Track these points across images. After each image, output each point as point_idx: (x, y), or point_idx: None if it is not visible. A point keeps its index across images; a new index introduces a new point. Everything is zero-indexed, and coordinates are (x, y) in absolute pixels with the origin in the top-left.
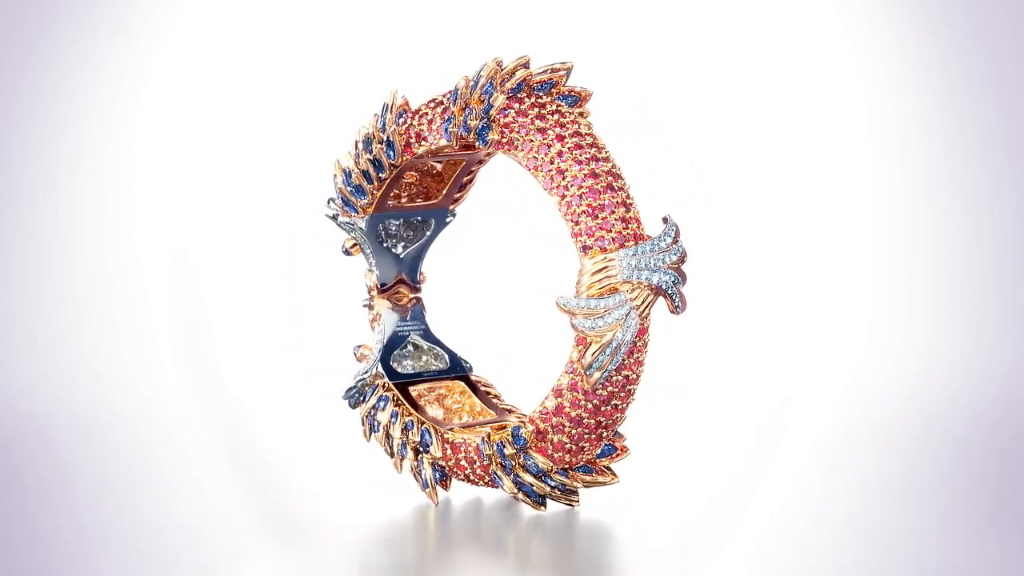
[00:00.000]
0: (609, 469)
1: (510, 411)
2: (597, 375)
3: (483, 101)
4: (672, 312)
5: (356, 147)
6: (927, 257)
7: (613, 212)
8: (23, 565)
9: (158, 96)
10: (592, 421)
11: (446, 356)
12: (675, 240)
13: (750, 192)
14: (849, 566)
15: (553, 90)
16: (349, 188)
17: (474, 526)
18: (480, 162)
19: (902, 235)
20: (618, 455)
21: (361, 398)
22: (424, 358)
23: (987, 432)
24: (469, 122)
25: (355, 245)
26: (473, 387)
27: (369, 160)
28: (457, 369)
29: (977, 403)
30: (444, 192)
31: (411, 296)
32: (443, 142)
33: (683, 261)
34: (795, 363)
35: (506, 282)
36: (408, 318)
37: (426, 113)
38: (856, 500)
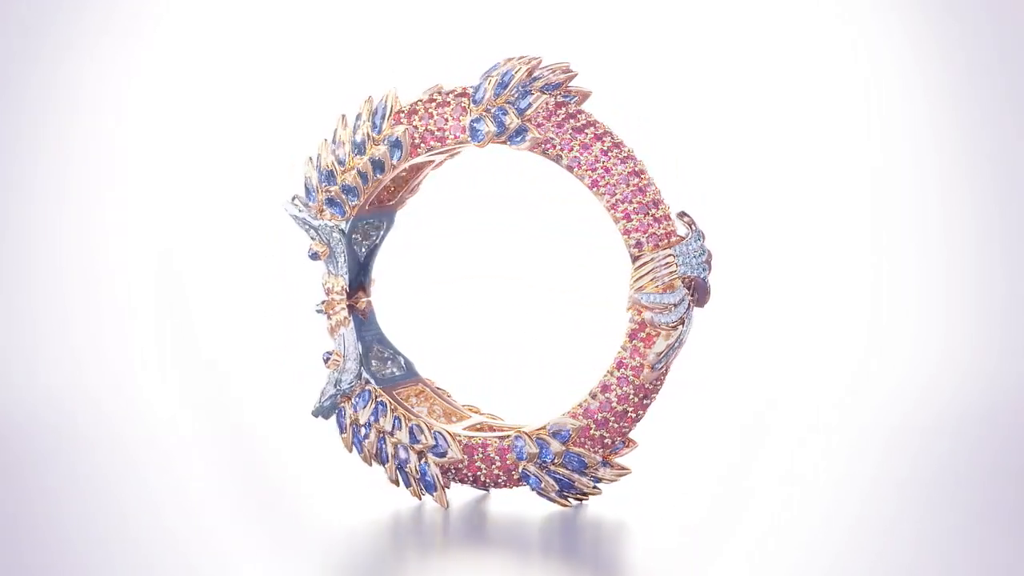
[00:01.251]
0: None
1: (473, 410)
2: (659, 370)
3: (511, 101)
4: (698, 305)
5: (340, 147)
6: (926, 257)
7: (658, 209)
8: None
9: (143, 98)
10: (633, 415)
11: (401, 359)
12: (703, 238)
13: (735, 193)
14: (850, 565)
15: (556, 91)
16: (340, 189)
17: (477, 525)
18: (437, 165)
19: (900, 235)
20: (626, 449)
21: (335, 409)
22: (374, 362)
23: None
24: (507, 122)
25: (325, 249)
26: (430, 389)
27: (369, 161)
28: (412, 372)
29: (989, 404)
30: (398, 196)
31: (365, 300)
32: (468, 142)
33: (711, 258)
34: (793, 363)
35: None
36: (367, 322)
37: (430, 113)
38: (856, 500)
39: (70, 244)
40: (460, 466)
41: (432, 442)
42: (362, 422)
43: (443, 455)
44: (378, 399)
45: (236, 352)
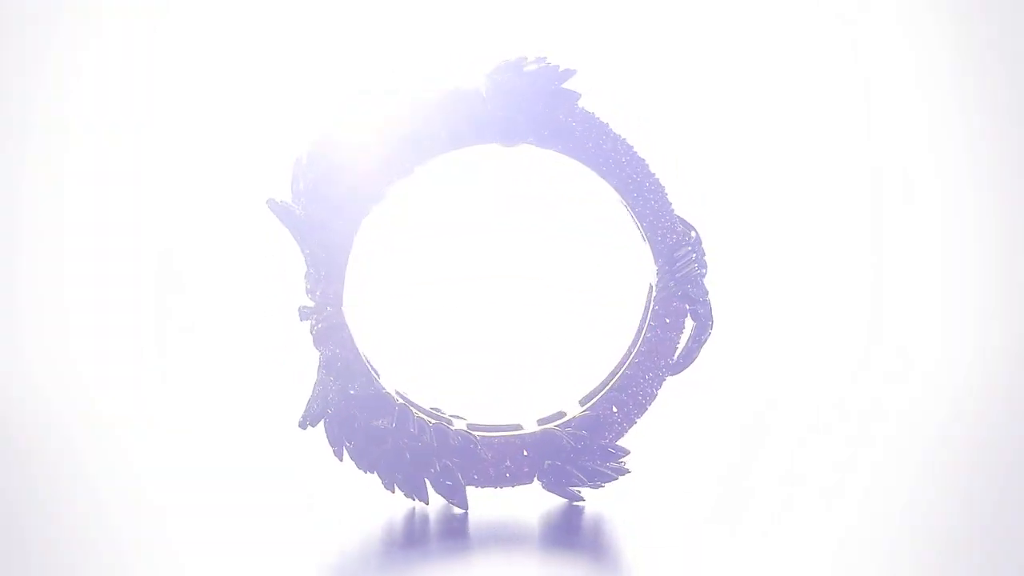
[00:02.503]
0: None
1: (438, 412)
2: (691, 359)
3: (538, 103)
4: None
5: None
6: (926, 257)
7: (670, 207)
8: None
9: (143, 97)
10: (648, 405)
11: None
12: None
13: (735, 193)
14: (850, 565)
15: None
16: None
17: (477, 525)
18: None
19: (900, 234)
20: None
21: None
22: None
23: None
24: (532, 122)
25: (318, 253)
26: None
27: None
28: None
29: (989, 404)
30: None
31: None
32: (494, 143)
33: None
34: (793, 363)
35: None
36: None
37: (435, 114)
38: (856, 500)
39: (70, 244)
40: (483, 466)
41: (458, 443)
42: (380, 427)
43: (471, 456)
44: (398, 404)
45: (235, 353)
